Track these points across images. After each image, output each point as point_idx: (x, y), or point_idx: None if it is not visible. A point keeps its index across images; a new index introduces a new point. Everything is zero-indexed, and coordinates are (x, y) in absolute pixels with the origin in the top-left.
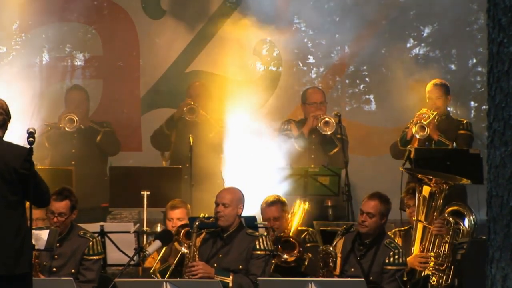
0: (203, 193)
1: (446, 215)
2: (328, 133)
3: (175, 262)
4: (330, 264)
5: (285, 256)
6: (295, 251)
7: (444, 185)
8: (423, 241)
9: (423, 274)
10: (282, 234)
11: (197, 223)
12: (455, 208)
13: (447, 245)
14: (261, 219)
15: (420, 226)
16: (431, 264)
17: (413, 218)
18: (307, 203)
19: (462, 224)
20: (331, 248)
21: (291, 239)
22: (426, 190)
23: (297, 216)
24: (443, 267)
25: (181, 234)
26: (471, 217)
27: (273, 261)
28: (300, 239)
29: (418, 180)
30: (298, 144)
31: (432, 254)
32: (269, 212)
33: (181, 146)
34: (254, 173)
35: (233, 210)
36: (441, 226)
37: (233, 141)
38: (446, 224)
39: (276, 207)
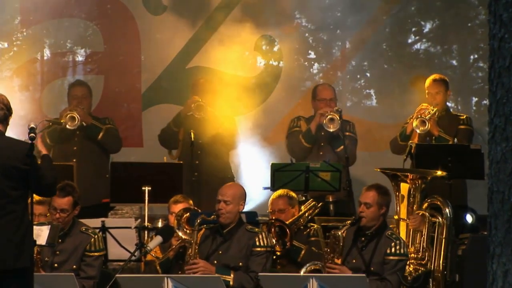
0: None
1: (424, 209)
2: (332, 130)
3: (173, 248)
4: (337, 249)
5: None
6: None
7: (419, 181)
8: (406, 238)
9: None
10: (273, 219)
11: (198, 221)
12: (430, 201)
13: (424, 238)
14: (267, 212)
15: (402, 224)
16: (411, 259)
17: (394, 217)
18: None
19: (439, 217)
20: (339, 233)
21: (283, 225)
22: (404, 187)
23: (304, 211)
24: (424, 261)
25: (184, 217)
26: (447, 210)
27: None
28: (294, 228)
29: (394, 177)
30: (305, 140)
31: (412, 249)
32: (275, 203)
33: (189, 144)
34: (255, 169)
35: (235, 207)
36: (416, 221)
37: (237, 137)
38: (422, 218)
39: (283, 200)
